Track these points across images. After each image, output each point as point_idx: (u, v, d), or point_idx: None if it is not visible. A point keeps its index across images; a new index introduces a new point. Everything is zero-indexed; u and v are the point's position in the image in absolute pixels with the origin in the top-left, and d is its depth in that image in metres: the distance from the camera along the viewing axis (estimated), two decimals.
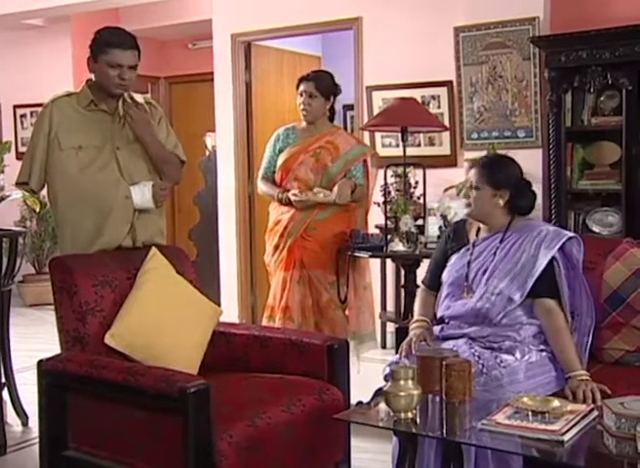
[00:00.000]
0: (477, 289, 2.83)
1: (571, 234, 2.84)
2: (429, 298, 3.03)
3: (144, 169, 3.07)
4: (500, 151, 4.28)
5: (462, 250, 2.95)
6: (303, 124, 4.10)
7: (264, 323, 4.09)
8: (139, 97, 3.17)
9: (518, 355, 2.67)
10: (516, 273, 2.76)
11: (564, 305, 2.78)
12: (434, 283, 3.03)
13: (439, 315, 2.96)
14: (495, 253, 2.85)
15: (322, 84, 4.00)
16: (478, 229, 2.98)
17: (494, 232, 2.90)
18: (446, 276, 2.95)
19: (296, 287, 3.97)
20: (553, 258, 2.77)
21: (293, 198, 3.94)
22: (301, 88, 4.01)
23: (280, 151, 4.09)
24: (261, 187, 4.21)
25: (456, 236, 3.02)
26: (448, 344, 2.75)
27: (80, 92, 3.07)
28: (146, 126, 3.03)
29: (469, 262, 2.89)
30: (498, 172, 2.89)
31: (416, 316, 3.02)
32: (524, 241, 2.80)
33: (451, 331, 2.86)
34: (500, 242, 2.86)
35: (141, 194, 3.00)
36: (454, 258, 2.95)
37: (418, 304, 3.08)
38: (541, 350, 2.73)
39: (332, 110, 4.16)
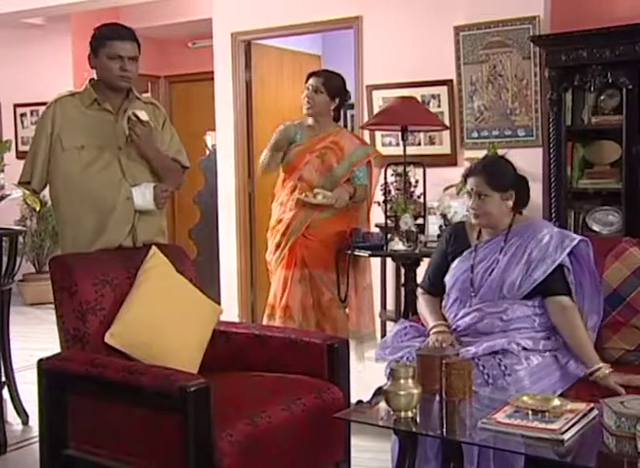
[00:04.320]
0: (482, 288, 2.83)
1: (578, 238, 2.83)
2: (435, 302, 3.00)
3: (147, 170, 3.07)
4: (500, 150, 4.29)
5: (465, 253, 2.93)
6: (309, 121, 4.09)
7: (265, 321, 4.08)
8: (144, 98, 3.16)
9: (523, 359, 2.65)
10: (524, 275, 2.77)
11: (576, 302, 2.79)
12: (435, 288, 3.01)
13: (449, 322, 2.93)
14: (500, 253, 2.84)
15: (330, 83, 4.02)
16: (479, 231, 2.97)
17: (497, 233, 2.89)
18: (450, 281, 2.93)
19: (297, 286, 3.96)
20: (562, 261, 2.78)
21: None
22: (309, 82, 4.03)
23: (292, 142, 4.06)
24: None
25: (456, 239, 3.00)
26: None
27: (83, 91, 3.06)
28: (151, 143, 3.02)
29: (472, 266, 2.88)
30: (501, 175, 2.86)
31: (431, 322, 2.90)
32: (529, 242, 2.80)
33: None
34: (504, 242, 2.85)
35: (143, 196, 2.99)
36: (456, 262, 2.94)
37: (426, 309, 2.99)
38: (544, 351, 2.73)
39: (337, 112, 4.15)
